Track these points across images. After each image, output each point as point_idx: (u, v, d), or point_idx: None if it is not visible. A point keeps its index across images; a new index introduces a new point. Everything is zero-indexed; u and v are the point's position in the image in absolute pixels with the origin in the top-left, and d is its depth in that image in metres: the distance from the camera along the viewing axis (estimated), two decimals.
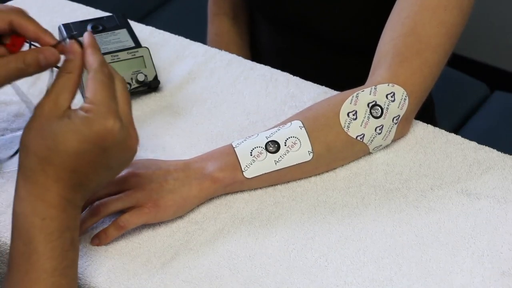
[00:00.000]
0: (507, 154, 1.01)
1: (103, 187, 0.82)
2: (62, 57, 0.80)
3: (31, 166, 0.76)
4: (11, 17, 0.80)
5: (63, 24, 1.13)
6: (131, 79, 1.09)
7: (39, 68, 0.80)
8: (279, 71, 1.16)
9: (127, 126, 0.79)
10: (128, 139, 0.79)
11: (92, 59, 0.78)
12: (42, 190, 0.76)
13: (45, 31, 0.81)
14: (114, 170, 0.81)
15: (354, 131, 0.97)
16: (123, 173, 0.91)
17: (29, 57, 0.80)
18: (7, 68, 0.80)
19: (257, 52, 1.46)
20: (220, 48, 1.22)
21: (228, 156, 0.94)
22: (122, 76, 0.81)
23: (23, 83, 1.13)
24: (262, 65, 1.17)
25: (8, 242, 0.90)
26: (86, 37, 0.80)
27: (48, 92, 0.77)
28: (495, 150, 1.01)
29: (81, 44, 0.79)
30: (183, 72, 1.16)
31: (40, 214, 0.75)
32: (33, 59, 0.79)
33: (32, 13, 1.31)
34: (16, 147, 0.97)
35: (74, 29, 1.12)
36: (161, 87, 1.13)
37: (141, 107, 1.10)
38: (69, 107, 0.77)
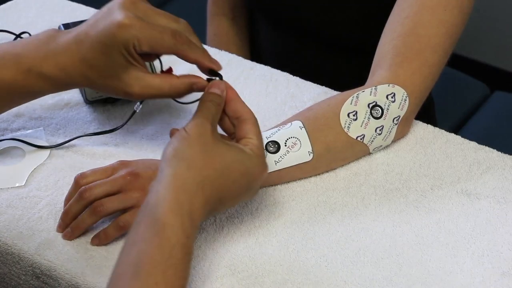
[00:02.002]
0: (507, 154, 1.01)
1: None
2: None
3: (192, 181, 0.78)
4: (177, 47, 0.86)
5: (63, 24, 1.13)
6: None
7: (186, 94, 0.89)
8: (279, 71, 1.16)
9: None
10: (265, 173, 0.86)
11: (248, 108, 0.87)
12: (193, 209, 0.77)
13: (204, 57, 0.88)
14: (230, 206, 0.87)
15: (354, 131, 0.97)
16: (122, 173, 0.91)
17: (183, 89, 0.88)
18: (161, 92, 0.87)
19: (256, 52, 1.46)
20: (220, 48, 1.22)
21: None
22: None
23: None
24: (262, 65, 1.17)
25: (8, 242, 0.90)
26: (231, 89, 0.88)
27: (204, 115, 0.83)
28: (495, 150, 1.01)
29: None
30: (183, 72, 1.15)
31: (187, 232, 0.75)
32: (186, 89, 0.88)
33: (32, 13, 1.32)
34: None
35: None
36: None
37: (141, 107, 1.10)
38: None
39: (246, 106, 0.87)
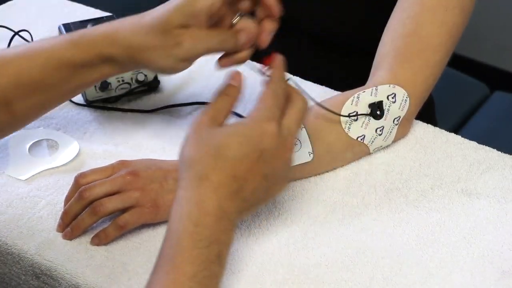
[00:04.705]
0: (507, 154, 1.01)
1: (257, 203, 0.83)
2: None
3: (194, 175, 0.78)
4: None
5: (63, 24, 1.13)
6: (131, 79, 1.09)
7: (237, 46, 0.85)
8: None
9: (286, 137, 0.81)
10: (282, 148, 0.81)
11: (273, 74, 0.85)
12: (201, 198, 0.77)
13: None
14: (268, 182, 0.81)
15: (354, 132, 0.97)
16: (122, 172, 0.91)
17: (231, 34, 0.85)
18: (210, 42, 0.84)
19: (257, 52, 1.45)
20: None
21: None
22: (306, 100, 0.85)
23: None
24: (262, 66, 1.17)
25: (9, 242, 0.90)
26: (276, 59, 0.86)
27: (205, 110, 0.82)
28: (495, 150, 1.01)
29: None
30: (183, 72, 1.15)
31: (194, 220, 0.76)
32: (234, 36, 0.85)
33: (32, 13, 1.32)
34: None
35: (74, 29, 1.12)
36: (161, 87, 1.13)
37: (141, 107, 1.10)
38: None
39: (276, 71, 0.85)
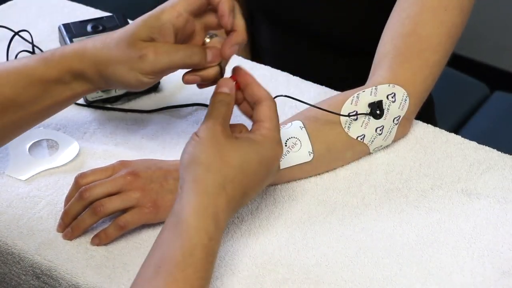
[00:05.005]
0: (507, 154, 1.01)
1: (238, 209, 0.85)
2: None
3: (213, 182, 0.79)
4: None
5: (63, 24, 1.13)
6: None
7: (202, 62, 0.85)
8: (279, 71, 1.16)
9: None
10: (279, 168, 0.86)
11: (264, 91, 0.86)
12: (218, 210, 0.78)
13: (230, 15, 0.84)
14: (255, 196, 0.85)
15: (354, 131, 0.97)
16: (122, 173, 0.91)
17: (197, 49, 0.85)
18: (175, 56, 0.84)
19: (256, 52, 1.45)
20: None
21: None
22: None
23: None
24: (262, 65, 1.17)
25: (8, 242, 0.90)
26: (247, 74, 0.87)
27: (213, 117, 0.83)
28: (495, 150, 1.01)
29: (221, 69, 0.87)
30: (183, 72, 1.15)
31: (210, 234, 0.77)
32: (200, 52, 0.85)
33: (32, 13, 1.32)
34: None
35: (74, 29, 1.12)
36: (161, 87, 1.13)
37: (141, 107, 1.10)
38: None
39: (262, 89, 0.86)
